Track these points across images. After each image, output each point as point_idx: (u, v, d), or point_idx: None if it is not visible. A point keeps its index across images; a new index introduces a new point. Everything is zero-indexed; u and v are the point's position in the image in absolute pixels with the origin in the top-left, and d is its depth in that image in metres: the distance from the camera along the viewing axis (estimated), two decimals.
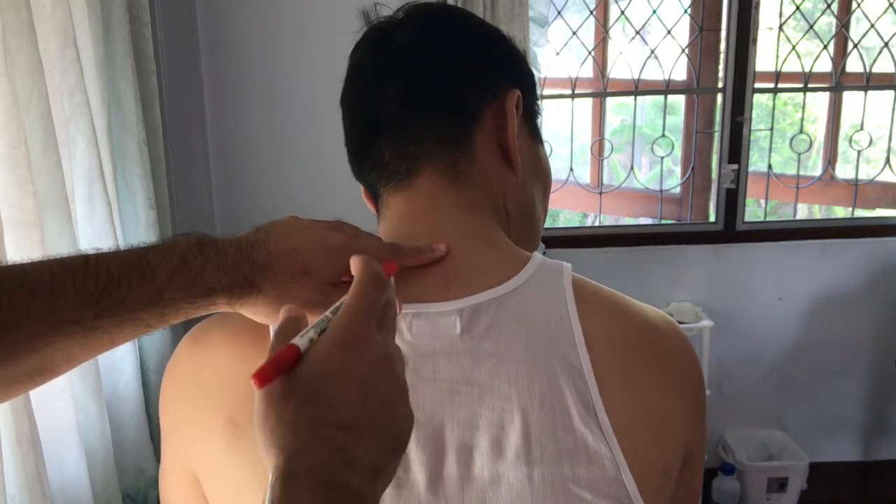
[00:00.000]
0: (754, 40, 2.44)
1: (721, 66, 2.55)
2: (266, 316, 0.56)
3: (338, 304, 0.48)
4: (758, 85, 2.51)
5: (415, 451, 0.54)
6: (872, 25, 2.49)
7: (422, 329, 0.57)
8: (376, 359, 0.45)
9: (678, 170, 3.03)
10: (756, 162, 2.83)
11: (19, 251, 1.22)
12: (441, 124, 0.65)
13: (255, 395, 0.44)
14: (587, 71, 2.72)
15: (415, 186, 0.65)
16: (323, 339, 0.45)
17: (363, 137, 0.67)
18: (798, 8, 2.56)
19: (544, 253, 2.43)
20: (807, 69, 2.54)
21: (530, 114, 0.70)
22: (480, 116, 0.66)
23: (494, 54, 0.69)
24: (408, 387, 0.47)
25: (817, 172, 3.11)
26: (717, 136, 2.60)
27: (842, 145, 2.96)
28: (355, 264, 0.50)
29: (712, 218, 2.67)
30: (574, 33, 2.53)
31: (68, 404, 1.35)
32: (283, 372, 0.43)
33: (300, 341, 0.44)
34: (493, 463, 0.54)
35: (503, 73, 0.68)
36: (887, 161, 2.61)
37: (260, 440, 0.43)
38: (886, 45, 2.50)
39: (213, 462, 0.58)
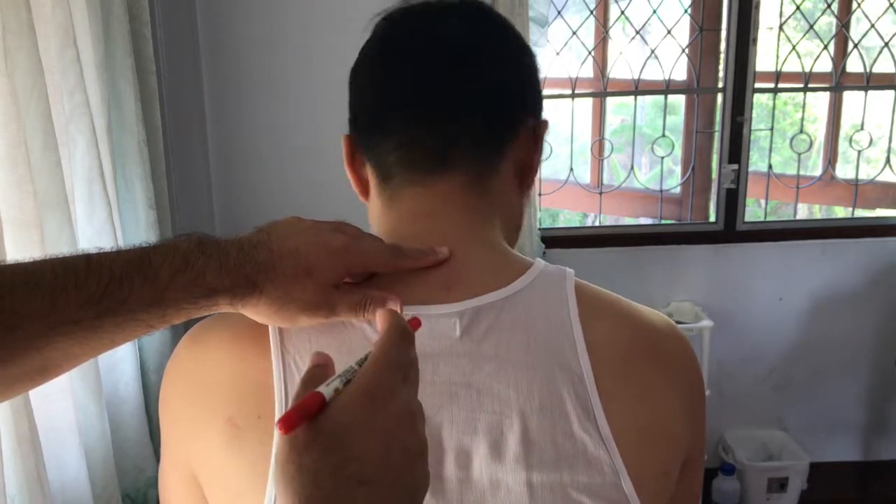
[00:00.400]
0: (754, 40, 2.44)
1: (721, 66, 2.55)
2: (268, 317, 0.56)
3: (364, 356, 0.48)
4: (758, 85, 2.50)
5: None
6: (872, 25, 2.49)
7: (421, 330, 0.57)
8: (401, 413, 0.45)
9: (678, 170, 3.03)
10: (756, 162, 2.83)
11: (19, 251, 1.22)
12: (484, 131, 0.64)
13: (278, 441, 0.43)
14: (587, 71, 2.72)
15: (437, 185, 0.63)
16: (349, 389, 0.44)
17: (391, 104, 0.64)
18: (798, 8, 2.56)
19: (544, 253, 2.43)
20: (807, 69, 2.54)
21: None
22: (516, 136, 0.65)
23: (536, 78, 0.69)
24: (428, 448, 0.47)
25: (817, 172, 3.11)
26: (717, 136, 2.60)
27: (842, 145, 2.96)
28: (382, 318, 0.49)
29: (712, 218, 2.67)
30: (574, 33, 2.53)
31: (68, 404, 1.35)
32: (307, 419, 0.43)
33: (325, 390, 0.44)
34: (492, 467, 0.54)
35: (539, 98, 0.69)
36: (887, 161, 2.61)
37: (279, 487, 0.43)
38: (886, 45, 2.50)
39: (213, 462, 0.57)
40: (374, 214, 0.67)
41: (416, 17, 0.65)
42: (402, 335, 0.48)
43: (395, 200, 0.64)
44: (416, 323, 0.52)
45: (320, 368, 0.48)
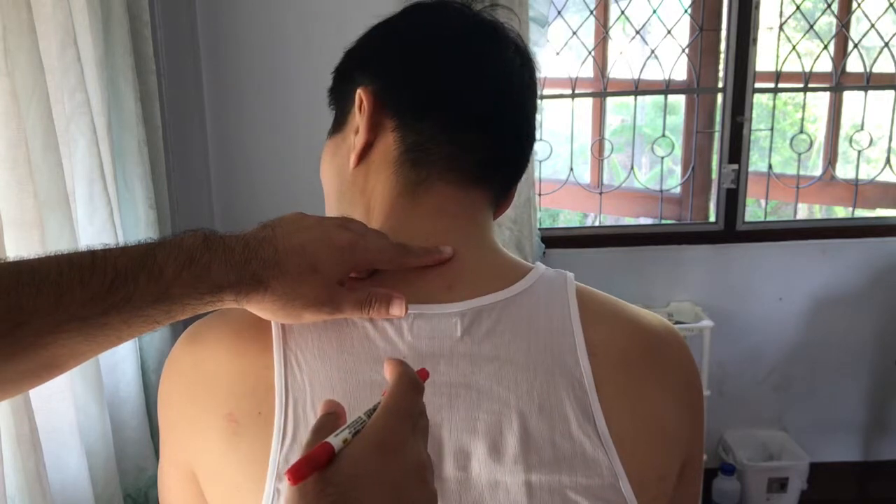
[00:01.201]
0: (754, 40, 2.44)
1: (721, 66, 2.55)
2: (272, 313, 0.56)
3: (373, 406, 0.47)
4: (758, 85, 2.50)
5: None
6: (873, 25, 2.49)
7: (422, 330, 0.57)
8: (410, 465, 0.45)
9: (678, 170, 3.03)
10: (756, 162, 2.82)
11: (19, 251, 1.22)
12: (519, 160, 0.69)
13: (287, 491, 0.43)
14: (587, 71, 2.72)
15: (471, 193, 0.65)
16: (358, 439, 0.44)
17: (461, 103, 0.65)
18: (798, 8, 2.56)
19: (544, 253, 2.43)
20: (807, 69, 2.54)
21: None
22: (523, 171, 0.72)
23: None
24: (437, 499, 0.47)
25: (817, 172, 3.11)
26: (717, 136, 2.60)
27: (842, 145, 2.96)
28: (391, 367, 0.49)
29: (712, 218, 2.67)
30: (574, 33, 2.53)
31: (69, 404, 1.35)
32: (316, 470, 0.42)
33: (334, 440, 0.44)
34: (490, 467, 0.54)
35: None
36: (887, 161, 2.61)
37: None
38: (887, 45, 2.50)
39: (213, 459, 0.57)
40: (366, 180, 0.66)
41: (486, 26, 0.68)
42: (411, 385, 0.48)
43: (421, 188, 0.64)
44: (424, 374, 0.51)
45: (331, 417, 0.47)
